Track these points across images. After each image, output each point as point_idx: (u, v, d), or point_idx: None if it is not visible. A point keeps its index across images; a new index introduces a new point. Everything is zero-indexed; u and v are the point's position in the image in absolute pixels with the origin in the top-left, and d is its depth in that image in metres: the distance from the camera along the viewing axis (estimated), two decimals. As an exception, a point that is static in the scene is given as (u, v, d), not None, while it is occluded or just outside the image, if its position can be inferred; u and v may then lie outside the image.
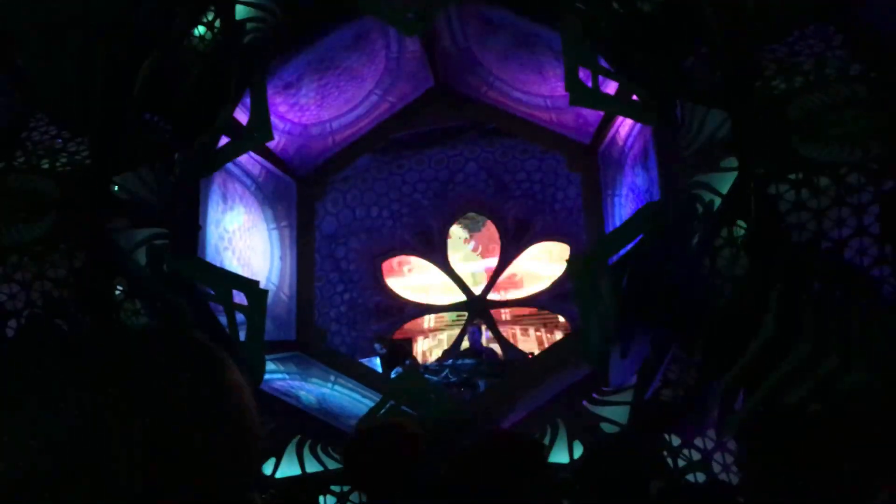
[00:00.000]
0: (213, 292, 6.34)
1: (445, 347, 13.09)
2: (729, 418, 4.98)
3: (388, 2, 7.02)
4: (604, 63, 6.24)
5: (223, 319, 6.26)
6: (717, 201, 5.43)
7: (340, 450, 5.61)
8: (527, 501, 2.05)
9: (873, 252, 5.09)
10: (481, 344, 10.76)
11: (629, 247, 5.82)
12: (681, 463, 5.24)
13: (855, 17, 5.35)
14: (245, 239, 8.33)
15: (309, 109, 8.79)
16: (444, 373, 9.15)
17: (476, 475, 2.17)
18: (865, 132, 5.07)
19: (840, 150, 5.12)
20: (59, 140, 6.14)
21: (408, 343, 12.63)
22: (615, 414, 5.67)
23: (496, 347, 12.64)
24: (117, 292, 5.98)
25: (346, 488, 5.35)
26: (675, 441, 5.33)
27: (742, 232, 5.31)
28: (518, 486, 2.11)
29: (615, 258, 5.91)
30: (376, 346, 10.42)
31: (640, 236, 5.74)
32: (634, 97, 6.34)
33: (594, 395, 5.79)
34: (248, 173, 8.58)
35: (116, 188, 6.30)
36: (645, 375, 5.49)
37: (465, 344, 12.18)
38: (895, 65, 5.18)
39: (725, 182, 5.45)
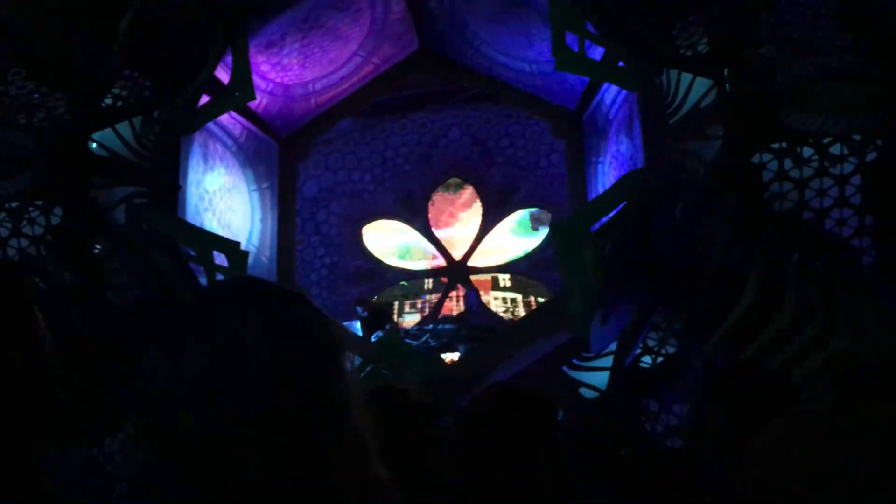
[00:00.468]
0: (193, 253, 6.29)
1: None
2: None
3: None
4: (591, 28, 6.18)
5: (203, 280, 6.22)
6: (702, 170, 5.43)
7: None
8: (537, 455, 2.05)
9: (853, 223, 5.12)
10: (478, 306, 10.77)
11: (612, 214, 5.82)
12: (659, 429, 5.30)
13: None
14: (225, 200, 8.25)
15: (291, 69, 8.67)
16: (425, 337, 9.19)
17: (484, 429, 2.16)
18: (852, 102, 5.08)
19: (825, 120, 5.13)
20: (37, 95, 6.01)
21: (389, 307, 12.64)
22: (595, 379, 5.71)
23: (492, 309, 12.72)
24: (96, 250, 5.91)
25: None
26: (654, 407, 5.38)
27: (726, 200, 5.31)
28: (528, 439, 2.10)
29: (598, 225, 5.92)
30: (358, 308, 10.42)
31: (624, 204, 5.75)
32: (620, 63, 6.31)
33: (574, 361, 5.83)
34: (229, 133, 8.48)
35: (95, 145, 6.20)
36: (625, 342, 5.52)
37: (453, 308, 12.24)
38: (884, 36, 5.16)
39: (710, 150, 5.45)
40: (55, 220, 5.84)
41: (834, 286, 4.77)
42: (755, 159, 5.23)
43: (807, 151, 5.18)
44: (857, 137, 5.11)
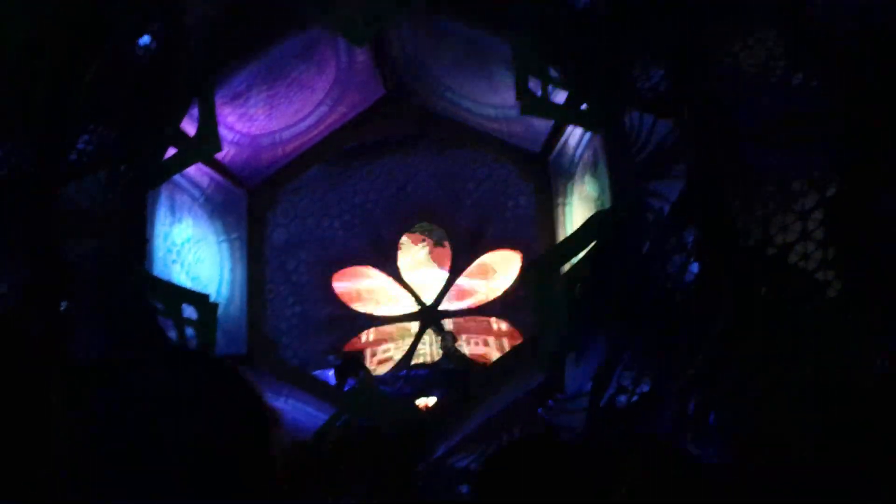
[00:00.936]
0: (161, 306, 6.21)
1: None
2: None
3: (337, 11, 6.98)
4: (553, 73, 6.30)
5: (172, 334, 6.15)
6: (667, 208, 5.51)
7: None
8: None
9: (817, 257, 5.20)
10: (454, 350, 10.68)
11: (581, 255, 5.87)
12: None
13: (797, 24, 5.47)
14: (194, 251, 8.19)
15: (258, 120, 8.69)
16: (399, 384, 9.11)
17: None
18: (809, 140, 5.20)
19: (784, 158, 5.24)
20: (1, 150, 5.95)
21: (360, 355, 12.52)
22: (572, 420, 5.69)
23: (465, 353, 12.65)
24: (62, 306, 5.82)
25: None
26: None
27: (692, 238, 5.39)
28: None
29: (568, 266, 5.96)
30: (330, 357, 10.30)
31: (592, 244, 5.80)
32: (584, 106, 6.42)
33: (550, 403, 5.81)
34: (196, 184, 8.44)
35: (61, 199, 6.14)
36: (600, 382, 5.52)
37: (428, 353, 12.15)
38: (836, 75, 5.31)
39: (675, 189, 5.54)
40: (22, 277, 5.75)
41: (800, 319, 4.84)
42: (718, 196, 5.32)
43: (769, 188, 5.27)
44: (816, 173, 5.21)
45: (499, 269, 13.76)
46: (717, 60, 5.66)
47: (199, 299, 6.27)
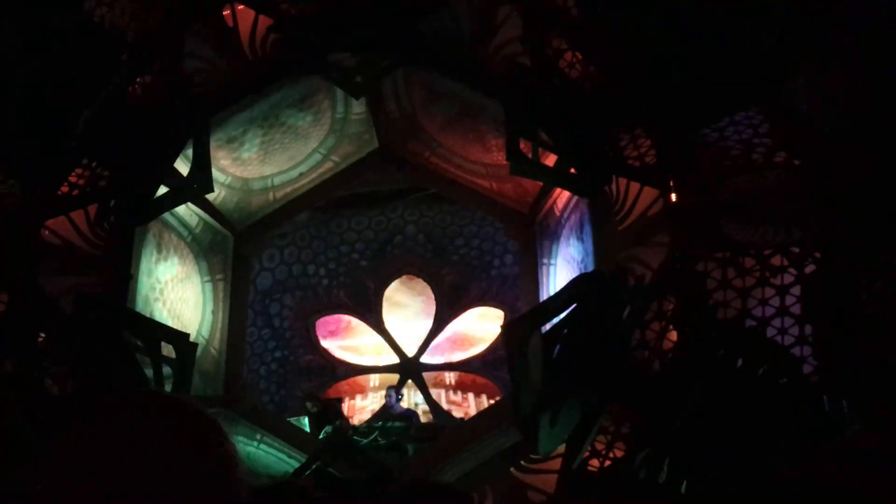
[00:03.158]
0: (140, 343, 6.18)
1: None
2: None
3: (337, 65, 7.13)
4: (544, 136, 6.42)
5: (149, 371, 6.10)
6: (649, 275, 5.58)
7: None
8: None
9: (794, 332, 5.27)
10: (398, 407, 10.60)
11: (562, 316, 5.91)
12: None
13: (781, 104, 5.63)
14: (178, 290, 8.18)
15: (251, 164, 8.79)
16: (374, 435, 9.03)
17: None
18: (789, 216, 5.31)
19: (764, 233, 5.34)
20: (-9, 180, 5.98)
21: (338, 402, 12.42)
22: (543, 482, 5.67)
23: (422, 410, 12.55)
24: (39, 338, 5.78)
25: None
26: None
27: (671, 307, 5.45)
28: None
29: (548, 326, 6.00)
30: (307, 404, 10.23)
31: (573, 306, 5.85)
32: (572, 170, 6.53)
33: (522, 463, 5.79)
34: (184, 224, 8.48)
35: (47, 232, 6.15)
36: (573, 444, 5.51)
37: (405, 404, 12.07)
38: (816, 152, 5.46)
39: (656, 257, 5.62)
40: (-1, 307, 5.72)
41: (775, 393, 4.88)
42: (699, 267, 5.40)
43: (748, 262, 5.36)
44: (795, 249, 5.31)
45: (481, 326, 13.81)
46: (704, 134, 5.80)
47: (177, 337, 6.24)
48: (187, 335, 6.34)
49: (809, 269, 5.34)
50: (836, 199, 5.40)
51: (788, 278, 5.31)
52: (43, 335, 5.80)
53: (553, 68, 6.31)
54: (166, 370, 6.19)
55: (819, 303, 5.32)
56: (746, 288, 5.32)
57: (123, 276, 6.55)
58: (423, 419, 11.67)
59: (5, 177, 6.02)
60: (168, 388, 6.16)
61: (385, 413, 10.35)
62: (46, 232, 6.16)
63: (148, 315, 7.15)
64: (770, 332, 5.29)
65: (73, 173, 6.33)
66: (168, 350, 6.27)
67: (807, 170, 5.42)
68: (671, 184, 5.65)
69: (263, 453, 7.51)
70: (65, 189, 6.26)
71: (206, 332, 8.78)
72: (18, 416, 5.30)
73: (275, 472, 6.61)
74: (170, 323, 7.43)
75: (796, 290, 5.29)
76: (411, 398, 13.51)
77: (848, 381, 5.12)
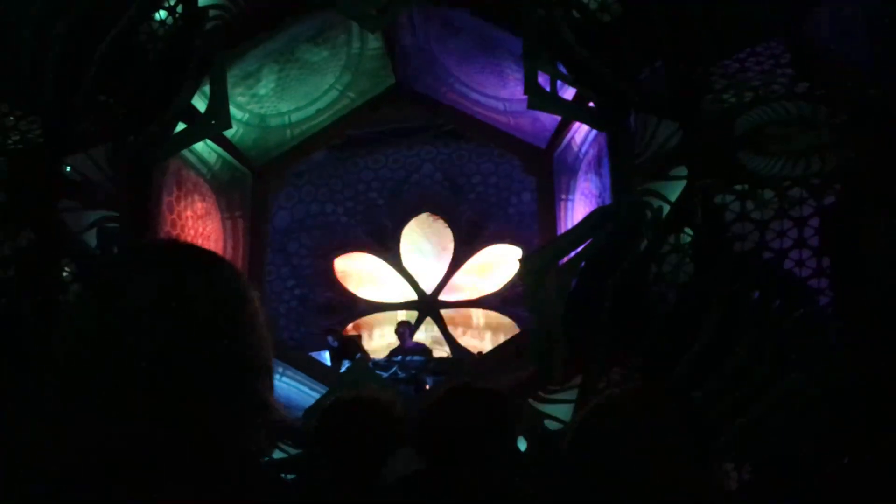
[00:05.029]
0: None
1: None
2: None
3: (353, -2, 7.04)
4: (562, 69, 6.35)
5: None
6: (666, 209, 5.58)
7: (288, 440, 5.60)
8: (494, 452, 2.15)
9: (812, 264, 5.29)
10: (409, 342, 10.74)
11: (579, 249, 5.94)
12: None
13: (802, 34, 5.55)
14: (197, 226, 8.27)
15: (268, 100, 8.76)
16: (393, 369, 9.20)
17: (445, 428, 2.26)
18: (809, 148, 5.28)
19: (784, 165, 5.32)
20: (11, 118, 6.03)
21: (358, 338, 12.60)
22: (559, 411, 5.77)
23: (437, 346, 12.70)
24: (64, 274, 5.89)
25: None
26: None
27: (688, 239, 5.47)
28: (487, 436, 2.19)
29: (565, 260, 6.04)
30: (329, 338, 10.41)
31: (591, 240, 5.88)
32: (591, 104, 6.48)
33: (539, 393, 5.89)
34: (203, 161, 8.52)
35: (68, 168, 6.21)
36: (589, 376, 5.60)
37: (424, 342, 12.23)
38: (839, 84, 5.39)
39: (674, 190, 5.61)
40: (22, 243, 5.82)
41: (790, 325, 4.92)
42: (717, 200, 5.40)
43: (767, 194, 5.35)
44: (815, 181, 5.29)
45: (499, 264, 13.87)
46: (724, 66, 5.73)
47: (200, 273, 6.33)
48: (209, 270, 6.43)
49: (829, 200, 5.33)
50: (858, 130, 5.35)
51: (807, 210, 5.31)
52: (66, 270, 5.93)
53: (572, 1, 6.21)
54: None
55: (837, 235, 5.33)
56: (764, 220, 5.32)
57: (144, 212, 6.62)
58: (441, 355, 11.86)
59: (25, 113, 6.07)
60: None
61: (402, 348, 10.52)
62: (67, 168, 6.23)
63: (169, 251, 7.23)
64: (787, 264, 5.31)
65: (91, 110, 6.36)
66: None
67: (829, 100, 5.36)
68: (690, 116, 5.61)
69: (286, 386, 7.67)
70: (83, 125, 6.30)
71: (226, 269, 8.88)
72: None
73: (296, 404, 6.75)
74: (191, 259, 7.52)
75: (815, 221, 5.30)
76: (429, 334, 13.69)
77: (863, 315, 5.16)
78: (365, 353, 10.67)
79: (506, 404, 2.43)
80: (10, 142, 6.03)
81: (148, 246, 1.29)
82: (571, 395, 5.68)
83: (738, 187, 5.37)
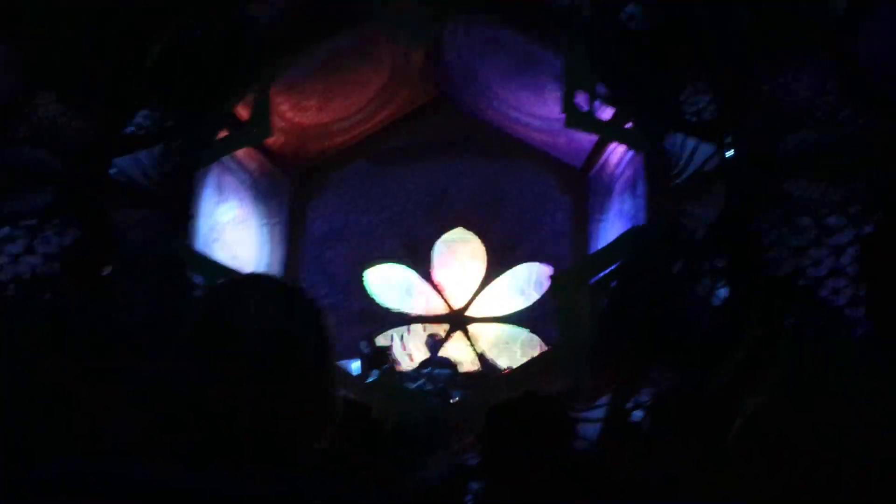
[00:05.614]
0: (201, 281, 6.41)
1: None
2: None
3: (399, 12, 7.15)
4: (601, 89, 6.39)
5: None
6: (701, 231, 5.56)
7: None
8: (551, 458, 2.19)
9: (848, 292, 5.22)
10: (435, 356, 10.76)
11: (612, 268, 5.94)
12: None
13: (850, 59, 5.48)
14: (236, 232, 8.41)
15: (310, 111, 8.90)
16: (421, 381, 9.23)
17: (505, 432, 2.31)
18: (850, 175, 5.22)
19: (824, 190, 5.27)
20: (64, 117, 6.19)
21: (390, 349, 12.63)
22: (587, 431, 5.76)
23: (460, 359, 12.70)
24: (107, 271, 6.03)
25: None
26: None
27: (723, 263, 5.44)
28: (544, 443, 2.24)
29: (597, 279, 6.04)
30: (362, 343, 10.48)
31: (623, 259, 5.88)
32: (629, 124, 6.50)
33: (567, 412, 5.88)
34: (244, 167, 8.67)
35: (114, 170, 6.36)
36: (618, 395, 5.59)
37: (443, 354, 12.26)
38: (883, 112, 5.33)
39: (711, 213, 5.59)
40: (68, 240, 5.96)
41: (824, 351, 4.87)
42: (753, 225, 5.37)
43: (804, 221, 5.30)
44: (854, 209, 5.23)
45: (531, 281, 13.84)
46: (766, 88, 5.71)
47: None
48: (245, 274, 6.54)
49: (867, 229, 5.27)
50: (900, 159, 5.29)
51: (845, 238, 5.25)
52: (111, 268, 6.05)
53: (614, 20, 6.24)
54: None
55: (875, 264, 5.25)
56: (801, 246, 5.28)
57: (185, 216, 6.75)
58: (469, 369, 11.86)
59: (78, 113, 6.23)
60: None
61: (431, 361, 10.54)
62: (114, 170, 6.37)
63: (207, 254, 7.37)
64: (823, 292, 5.25)
65: (140, 114, 6.52)
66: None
67: (872, 127, 5.31)
68: (729, 139, 5.59)
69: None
70: (132, 128, 6.45)
71: (262, 274, 9.01)
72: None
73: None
74: (228, 263, 7.65)
75: (852, 250, 5.23)
76: (460, 349, 13.68)
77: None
78: (395, 363, 10.70)
79: (565, 412, 2.47)
80: (62, 141, 6.18)
81: (257, 278, 1.50)
82: (599, 414, 5.67)
83: (775, 213, 5.33)
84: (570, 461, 2.30)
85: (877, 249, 5.25)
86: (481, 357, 13.34)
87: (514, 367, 12.25)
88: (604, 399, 5.73)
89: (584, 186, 9.24)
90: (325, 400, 1.35)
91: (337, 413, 1.37)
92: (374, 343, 11.10)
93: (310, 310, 1.45)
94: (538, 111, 8.90)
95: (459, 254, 14.38)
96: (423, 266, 14.20)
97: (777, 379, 4.99)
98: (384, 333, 12.30)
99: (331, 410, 1.36)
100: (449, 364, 10.10)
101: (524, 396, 2.50)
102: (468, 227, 14.25)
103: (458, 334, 13.89)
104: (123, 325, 5.69)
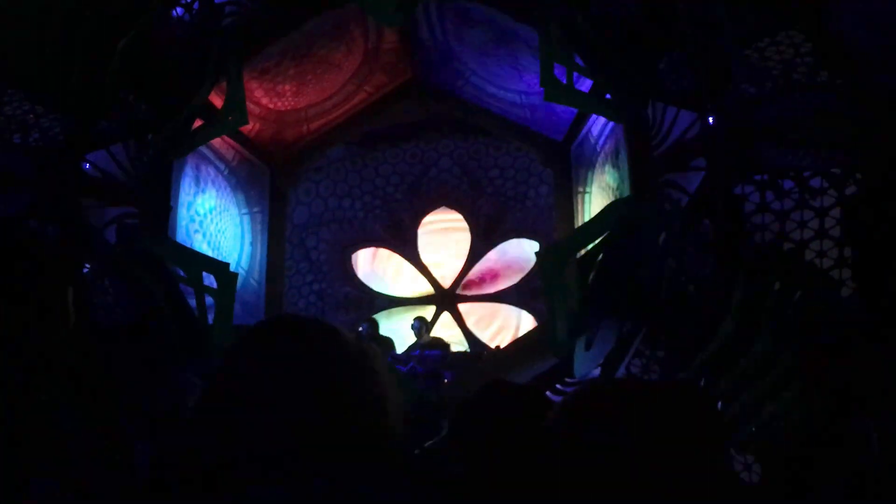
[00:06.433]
0: (183, 273, 6.34)
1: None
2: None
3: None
4: (579, 60, 6.32)
5: (192, 301, 6.26)
6: (685, 200, 5.54)
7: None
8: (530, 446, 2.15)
9: (833, 255, 5.22)
10: (424, 337, 10.74)
11: (597, 242, 5.92)
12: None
13: (823, 25, 5.47)
14: (216, 222, 8.32)
15: (285, 96, 8.79)
16: (411, 364, 9.21)
17: (481, 420, 2.28)
18: (829, 138, 5.21)
19: (805, 155, 5.26)
20: (32, 115, 6.08)
21: (390, 339, 12.62)
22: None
23: (450, 340, 12.70)
24: (85, 270, 5.94)
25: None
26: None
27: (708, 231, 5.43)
28: (521, 430, 2.21)
29: (582, 253, 6.02)
30: (361, 326, 10.50)
31: (608, 232, 5.85)
32: (608, 96, 6.45)
33: (558, 386, 5.89)
34: (221, 157, 8.56)
35: (88, 165, 6.26)
36: (608, 368, 5.59)
37: (435, 334, 12.24)
38: (860, 74, 5.31)
39: (693, 182, 5.57)
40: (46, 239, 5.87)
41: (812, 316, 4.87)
42: (737, 191, 5.35)
43: (787, 184, 5.29)
44: (836, 171, 5.22)
45: (517, 257, 13.84)
46: (743, 55, 5.67)
47: (218, 267, 6.37)
48: (227, 265, 6.47)
49: (850, 190, 5.26)
50: (880, 119, 5.28)
51: (828, 200, 5.24)
52: (89, 266, 5.97)
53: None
54: (208, 300, 6.34)
55: (859, 225, 5.25)
56: (785, 210, 5.27)
57: (164, 208, 6.66)
58: (460, 349, 11.86)
59: (48, 110, 6.12)
60: (211, 317, 6.32)
61: (436, 342, 10.53)
62: (87, 165, 6.27)
63: (189, 246, 7.29)
64: (808, 255, 5.25)
65: (112, 108, 6.41)
66: (209, 281, 6.41)
67: (850, 89, 5.29)
68: (708, 106, 5.56)
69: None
70: (105, 123, 6.35)
71: (245, 264, 8.94)
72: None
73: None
74: (210, 254, 7.58)
75: (836, 212, 5.23)
76: (448, 329, 13.68)
77: (886, 305, 5.09)
78: (390, 346, 10.68)
79: (543, 401, 2.43)
80: (31, 139, 6.08)
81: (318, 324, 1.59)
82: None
83: (757, 177, 5.31)
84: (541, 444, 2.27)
85: (859, 210, 5.26)
86: (471, 336, 13.35)
87: (504, 345, 12.28)
88: (594, 373, 5.74)
89: (566, 159, 9.19)
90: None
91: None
92: (376, 327, 11.07)
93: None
94: (517, 86, 8.83)
95: (444, 233, 14.35)
96: (408, 247, 14.17)
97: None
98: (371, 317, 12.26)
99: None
100: (440, 344, 10.09)
101: (493, 386, 2.48)
102: (451, 205, 14.22)
103: (446, 314, 13.89)
104: (103, 325, 5.62)
